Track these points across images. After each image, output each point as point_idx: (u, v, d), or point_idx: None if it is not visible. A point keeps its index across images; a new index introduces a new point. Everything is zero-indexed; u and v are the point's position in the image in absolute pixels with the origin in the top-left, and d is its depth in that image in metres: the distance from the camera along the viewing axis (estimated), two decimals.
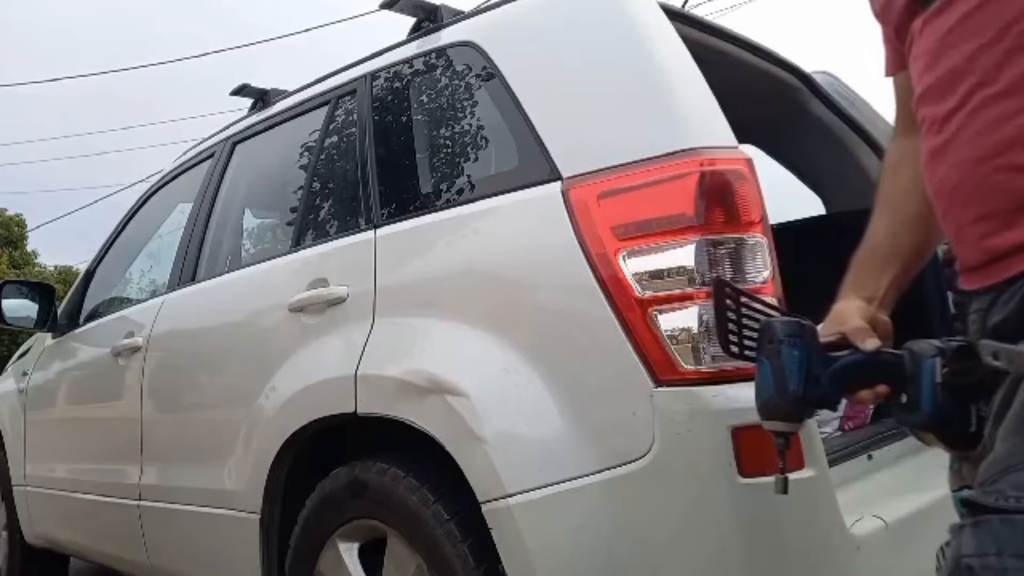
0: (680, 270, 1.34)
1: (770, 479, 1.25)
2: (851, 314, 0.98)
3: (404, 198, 1.85)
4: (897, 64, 0.99)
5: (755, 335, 0.96)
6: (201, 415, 2.24)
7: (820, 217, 2.67)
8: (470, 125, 1.81)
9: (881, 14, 0.97)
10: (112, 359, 2.58)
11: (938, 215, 0.85)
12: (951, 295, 2.23)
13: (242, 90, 2.60)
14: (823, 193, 2.67)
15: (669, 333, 1.32)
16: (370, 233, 1.81)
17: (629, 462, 1.33)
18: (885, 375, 0.92)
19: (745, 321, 0.97)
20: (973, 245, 0.78)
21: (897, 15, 0.90)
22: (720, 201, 1.36)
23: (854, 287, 1.02)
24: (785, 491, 0.99)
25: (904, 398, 0.90)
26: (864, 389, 0.93)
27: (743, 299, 0.98)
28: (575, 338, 1.42)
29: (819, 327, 0.98)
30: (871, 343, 0.93)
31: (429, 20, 1.96)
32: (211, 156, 2.62)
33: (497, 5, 1.82)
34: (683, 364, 1.31)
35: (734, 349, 0.97)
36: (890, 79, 1.05)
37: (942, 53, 0.80)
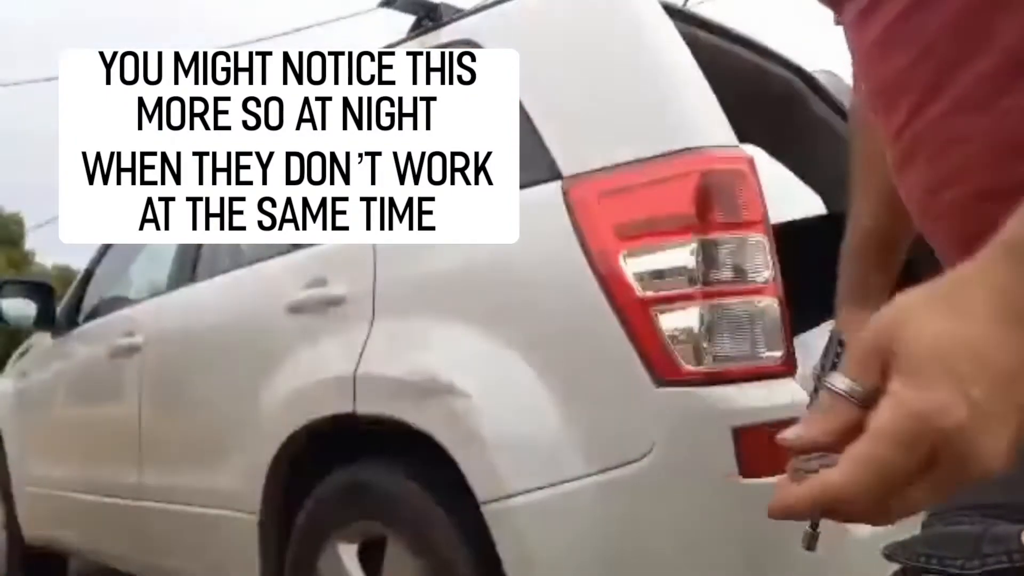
0: (681, 270, 1.34)
1: (770, 480, 1.26)
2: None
3: None
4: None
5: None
6: (200, 415, 2.23)
7: (820, 217, 2.66)
8: None
9: None
10: (111, 359, 2.58)
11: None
12: None
13: None
14: (823, 193, 2.66)
15: (670, 333, 1.32)
16: None
17: (630, 462, 1.32)
18: None
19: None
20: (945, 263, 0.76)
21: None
22: (721, 201, 1.36)
23: (861, 291, 0.98)
24: (812, 548, 0.95)
25: None
26: None
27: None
28: (575, 338, 1.41)
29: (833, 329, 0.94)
30: None
31: (429, 18, 1.95)
32: None
33: (497, 4, 1.81)
34: (684, 364, 1.31)
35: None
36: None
37: (873, 63, 0.74)
